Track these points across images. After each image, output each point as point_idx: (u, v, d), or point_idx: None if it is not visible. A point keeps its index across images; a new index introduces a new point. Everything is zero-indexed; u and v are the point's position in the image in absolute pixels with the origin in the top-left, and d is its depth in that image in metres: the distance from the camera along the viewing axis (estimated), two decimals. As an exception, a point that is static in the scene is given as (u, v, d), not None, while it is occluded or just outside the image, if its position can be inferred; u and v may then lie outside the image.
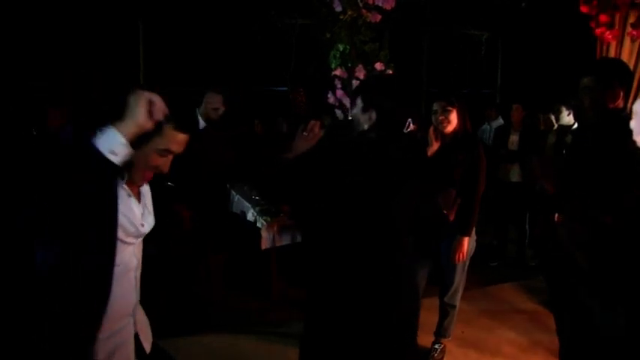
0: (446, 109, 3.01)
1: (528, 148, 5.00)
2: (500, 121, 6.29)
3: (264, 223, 4.00)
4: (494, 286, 4.62)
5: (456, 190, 2.58)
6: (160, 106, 1.42)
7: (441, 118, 3.02)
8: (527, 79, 8.05)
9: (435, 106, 3.06)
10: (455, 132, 3.04)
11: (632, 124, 1.03)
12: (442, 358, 3.33)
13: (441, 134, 3.03)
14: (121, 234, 1.54)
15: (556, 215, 2.88)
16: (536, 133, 5.11)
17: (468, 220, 3.03)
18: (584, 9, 3.94)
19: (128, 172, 1.56)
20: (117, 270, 1.52)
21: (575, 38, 5.39)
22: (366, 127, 1.94)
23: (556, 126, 4.87)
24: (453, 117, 3.02)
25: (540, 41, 7.95)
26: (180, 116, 1.58)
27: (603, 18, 3.86)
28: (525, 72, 8.25)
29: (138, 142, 1.40)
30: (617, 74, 2.38)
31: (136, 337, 1.69)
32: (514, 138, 5.17)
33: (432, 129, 2.99)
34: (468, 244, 3.07)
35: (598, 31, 3.92)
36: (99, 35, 6.54)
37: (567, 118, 4.67)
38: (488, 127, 6.38)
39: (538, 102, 5.48)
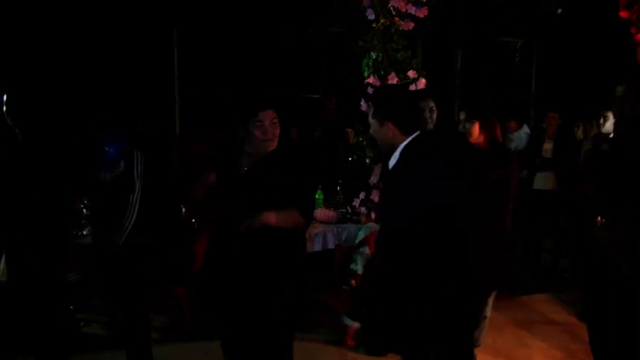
0: (468, 119, 3.04)
1: (563, 156, 4.92)
2: (526, 130, 6.21)
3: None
4: (527, 296, 4.55)
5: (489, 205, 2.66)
6: None
7: (464, 127, 3.06)
8: (562, 87, 7.91)
9: (462, 115, 3.09)
10: (481, 143, 3.04)
11: None
12: (473, 367, 3.30)
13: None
14: None
15: (596, 220, 2.83)
16: (571, 141, 5.02)
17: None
18: (624, 14, 3.87)
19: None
20: None
21: (613, 44, 5.28)
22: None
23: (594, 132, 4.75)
24: (474, 129, 3.03)
25: (576, 47, 7.80)
26: None
27: (645, 22, 3.78)
28: (561, 79, 8.10)
29: None
30: None
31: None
32: (548, 146, 5.10)
33: None
34: None
35: (639, 36, 3.84)
36: (134, 42, 6.73)
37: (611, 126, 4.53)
38: (512, 136, 6.29)
39: (574, 109, 5.38)
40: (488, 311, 3.26)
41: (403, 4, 4.12)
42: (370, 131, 2.27)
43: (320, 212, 4.18)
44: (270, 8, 6.90)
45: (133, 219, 2.69)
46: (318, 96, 7.81)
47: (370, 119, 2.24)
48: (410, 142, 2.14)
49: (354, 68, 4.43)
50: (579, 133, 5.09)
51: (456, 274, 2.05)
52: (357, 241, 3.96)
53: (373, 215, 4.14)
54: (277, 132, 2.34)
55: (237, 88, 7.33)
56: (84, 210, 3.99)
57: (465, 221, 2.08)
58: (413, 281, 2.01)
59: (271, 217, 2.18)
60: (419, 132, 2.18)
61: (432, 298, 2.02)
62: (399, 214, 2.09)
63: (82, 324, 3.86)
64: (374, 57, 4.20)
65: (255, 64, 7.54)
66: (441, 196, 2.05)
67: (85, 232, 3.79)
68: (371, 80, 4.18)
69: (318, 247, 4.11)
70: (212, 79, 7.57)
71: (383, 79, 4.15)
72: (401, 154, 2.14)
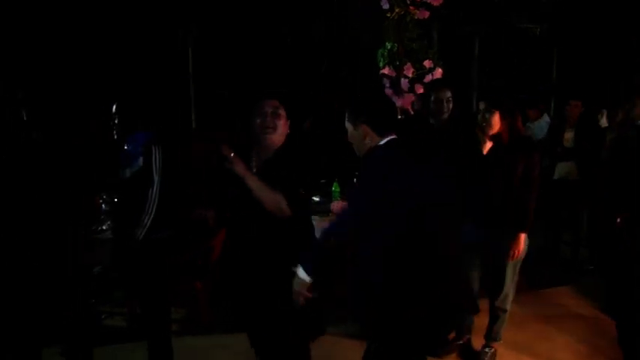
0: (488, 109, 2.97)
1: (585, 145, 4.80)
2: (546, 119, 6.06)
3: (314, 223, 4.02)
4: (548, 289, 4.45)
5: (514, 196, 2.64)
6: None
7: (483, 118, 2.99)
8: (585, 73, 7.72)
9: (481, 105, 3.03)
10: (502, 134, 2.98)
11: None
12: (493, 362, 3.25)
13: (491, 135, 2.99)
14: None
15: (619, 217, 2.76)
16: (593, 129, 4.90)
17: (525, 217, 2.97)
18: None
19: None
20: None
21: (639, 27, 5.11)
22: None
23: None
24: (494, 119, 2.96)
25: (599, 32, 7.60)
26: None
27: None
28: (583, 65, 7.91)
29: None
30: None
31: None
32: (569, 135, 4.97)
33: (477, 129, 2.98)
34: (524, 241, 2.99)
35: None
36: (150, 39, 6.76)
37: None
38: (531, 125, 6.15)
39: (597, 97, 5.24)
40: (509, 305, 3.20)
41: (418, -8, 4.06)
42: (348, 138, 2.21)
43: (336, 205, 4.15)
44: (271, 8, 6.87)
45: (153, 214, 2.69)
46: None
47: (346, 124, 2.19)
48: (388, 142, 2.09)
49: (354, 68, 4.40)
50: (603, 120, 4.96)
51: (452, 276, 2.01)
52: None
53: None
54: (279, 123, 2.28)
55: (239, 89, 7.30)
56: (103, 205, 4.03)
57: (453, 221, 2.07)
58: (408, 283, 1.95)
59: (246, 174, 2.18)
60: (394, 135, 2.12)
61: (427, 301, 1.95)
62: (389, 212, 1.99)
63: (103, 316, 3.91)
64: (389, 47, 4.14)
65: (257, 64, 7.48)
66: (440, 194, 2.02)
67: (104, 227, 3.83)
68: (386, 71, 4.14)
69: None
70: (214, 79, 7.55)
71: (398, 69, 4.09)
72: (379, 151, 2.08)
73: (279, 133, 2.29)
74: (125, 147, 2.87)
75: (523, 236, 2.98)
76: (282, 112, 2.29)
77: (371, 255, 2.02)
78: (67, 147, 2.71)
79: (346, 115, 2.19)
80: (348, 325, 3.63)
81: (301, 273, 2.09)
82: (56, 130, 2.69)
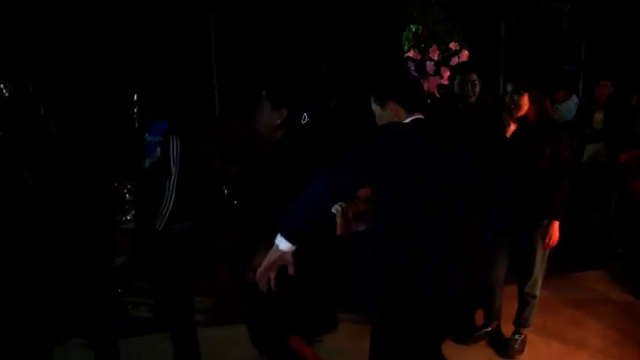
0: (516, 91, 2.90)
1: (614, 126, 4.67)
2: (575, 100, 5.90)
3: (339, 209, 3.99)
4: (578, 273, 4.36)
5: (541, 180, 2.58)
6: None
7: (511, 100, 2.92)
8: (614, 54, 7.49)
9: (509, 87, 2.97)
10: (530, 117, 2.91)
11: None
12: (523, 349, 3.19)
13: (517, 117, 2.93)
14: None
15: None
16: (624, 110, 4.77)
17: (557, 204, 2.91)
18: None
19: None
20: None
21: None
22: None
23: None
24: (523, 101, 2.89)
25: (628, 11, 7.37)
26: None
27: None
28: (612, 46, 7.68)
29: None
30: None
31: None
32: (598, 116, 4.85)
33: (504, 111, 2.92)
34: (558, 229, 2.92)
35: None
36: (171, 30, 6.75)
37: None
38: (559, 107, 6.00)
39: (627, 78, 5.09)
40: (538, 291, 3.14)
41: (442, -28, 3.98)
42: (376, 121, 2.11)
43: (365, 190, 4.11)
44: (271, 8, 6.81)
45: (171, 205, 2.67)
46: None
47: (372, 106, 2.11)
48: (413, 122, 1.98)
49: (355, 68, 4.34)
50: (635, 101, 4.82)
51: (471, 269, 1.92)
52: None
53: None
54: (259, 115, 2.33)
55: (238, 89, 7.25)
56: (127, 195, 4.05)
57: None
58: (414, 276, 1.83)
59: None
60: (421, 115, 2.02)
61: (434, 297, 1.85)
62: (413, 195, 1.87)
63: (129, 307, 3.94)
64: (414, 30, 4.07)
65: (257, 64, 7.41)
66: (466, 178, 1.94)
67: (128, 217, 3.85)
68: (411, 54, 4.07)
69: (362, 227, 4.05)
70: (252, 68, 7.50)
71: (423, 52, 4.02)
72: (403, 129, 1.96)
73: (263, 124, 2.36)
74: (146, 136, 2.86)
75: (557, 224, 2.91)
76: (263, 102, 2.36)
77: (372, 243, 1.95)
78: (67, 146, 2.68)
79: (372, 98, 2.12)
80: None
81: (279, 239, 1.84)
82: (56, 129, 2.66)
